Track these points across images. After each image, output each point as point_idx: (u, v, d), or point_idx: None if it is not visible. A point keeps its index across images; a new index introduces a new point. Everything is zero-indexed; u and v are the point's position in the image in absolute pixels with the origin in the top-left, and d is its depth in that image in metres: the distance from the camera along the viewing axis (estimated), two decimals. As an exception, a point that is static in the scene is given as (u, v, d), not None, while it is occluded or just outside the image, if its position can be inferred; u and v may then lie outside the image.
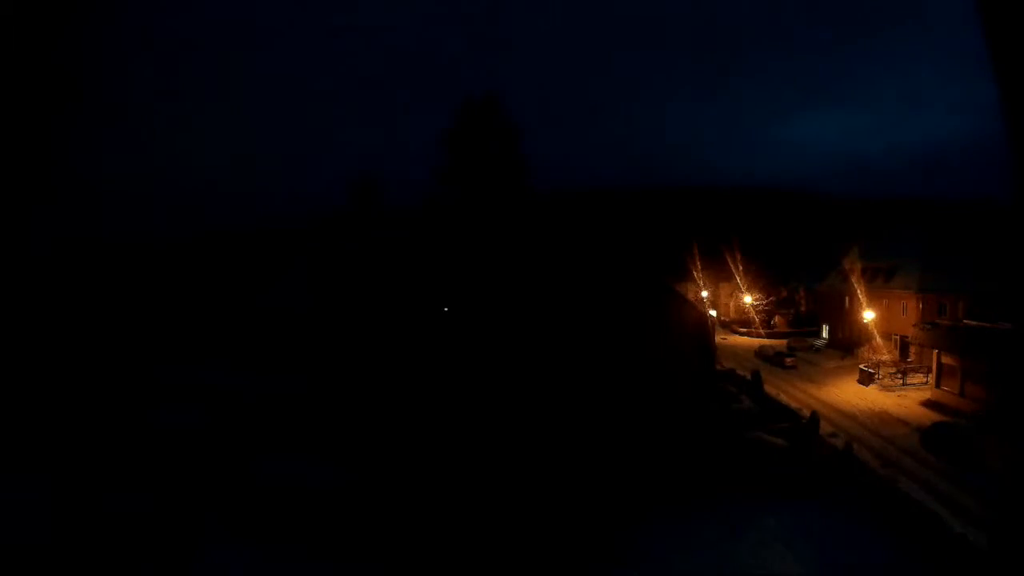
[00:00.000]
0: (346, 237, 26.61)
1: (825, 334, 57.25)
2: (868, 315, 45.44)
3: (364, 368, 23.97)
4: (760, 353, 50.14)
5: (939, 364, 32.37)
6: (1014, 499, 2.14)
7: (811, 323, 63.38)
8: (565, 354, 21.10)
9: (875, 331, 45.70)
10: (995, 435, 23.38)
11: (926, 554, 16.30)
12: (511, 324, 20.41)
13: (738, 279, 76.72)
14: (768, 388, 34.66)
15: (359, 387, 23.94)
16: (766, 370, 41.83)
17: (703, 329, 29.14)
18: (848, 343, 49.95)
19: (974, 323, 32.80)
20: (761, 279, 76.98)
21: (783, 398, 33.51)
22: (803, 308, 70.79)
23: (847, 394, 35.27)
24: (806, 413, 28.33)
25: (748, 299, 74.41)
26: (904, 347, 42.24)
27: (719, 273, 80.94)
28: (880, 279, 47.05)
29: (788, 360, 44.95)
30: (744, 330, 69.84)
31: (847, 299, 51.21)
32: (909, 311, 42.47)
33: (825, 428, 26.88)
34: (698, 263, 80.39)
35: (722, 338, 58.70)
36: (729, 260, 76.29)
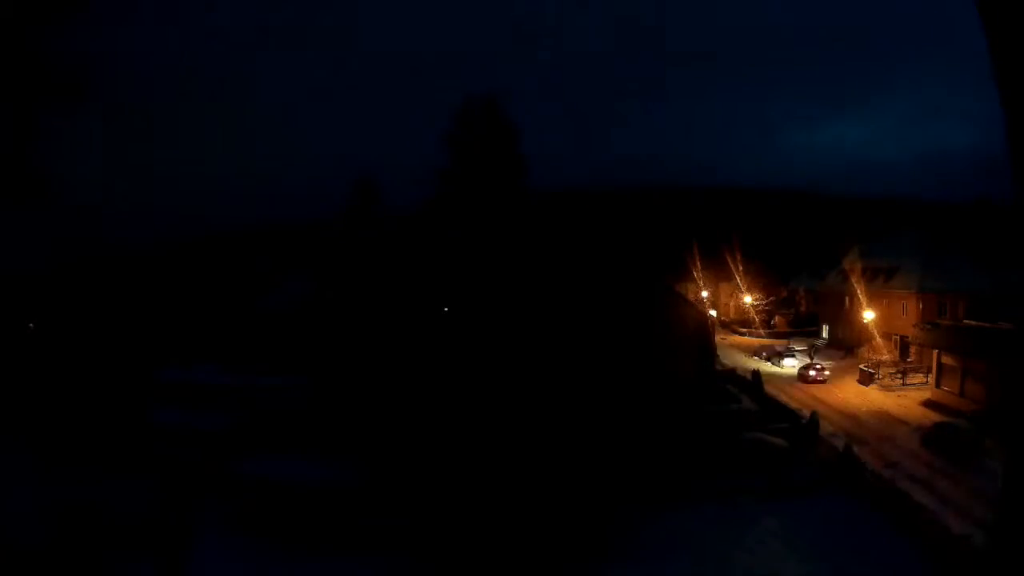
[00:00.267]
0: (347, 238, 26.60)
1: (825, 334, 57.25)
2: (868, 315, 45.42)
3: (365, 368, 23.97)
4: (760, 353, 50.15)
5: (939, 364, 32.35)
6: (1013, 499, 2.13)
7: (811, 323, 63.36)
8: (564, 353, 21.10)
9: (875, 331, 45.69)
10: (995, 435, 23.39)
11: (926, 554, 16.30)
12: (511, 324, 20.41)
13: (738, 279, 76.68)
14: (768, 388, 34.65)
15: (360, 387, 23.95)
16: (766, 370, 41.84)
17: (703, 329, 29.14)
18: (848, 343, 49.94)
19: (974, 323, 32.80)
20: (761, 279, 76.95)
21: (783, 398, 33.49)
22: (803, 308, 70.78)
23: (847, 394, 35.25)
24: (806, 413, 28.32)
25: (748, 299, 74.39)
26: (904, 347, 42.23)
27: (719, 273, 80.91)
28: (880, 279, 47.05)
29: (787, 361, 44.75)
30: (744, 330, 69.81)
31: (847, 299, 51.20)
32: (909, 311, 42.46)
33: (825, 428, 26.87)
34: (698, 263, 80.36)
35: (722, 338, 58.68)
36: (729, 260, 76.24)
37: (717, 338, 43.75)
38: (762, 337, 63.16)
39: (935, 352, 32.94)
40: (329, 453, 21.75)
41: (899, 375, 37.34)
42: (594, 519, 18.46)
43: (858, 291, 47.43)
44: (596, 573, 16.48)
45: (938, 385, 32.20)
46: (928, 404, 31.54)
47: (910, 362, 39.69)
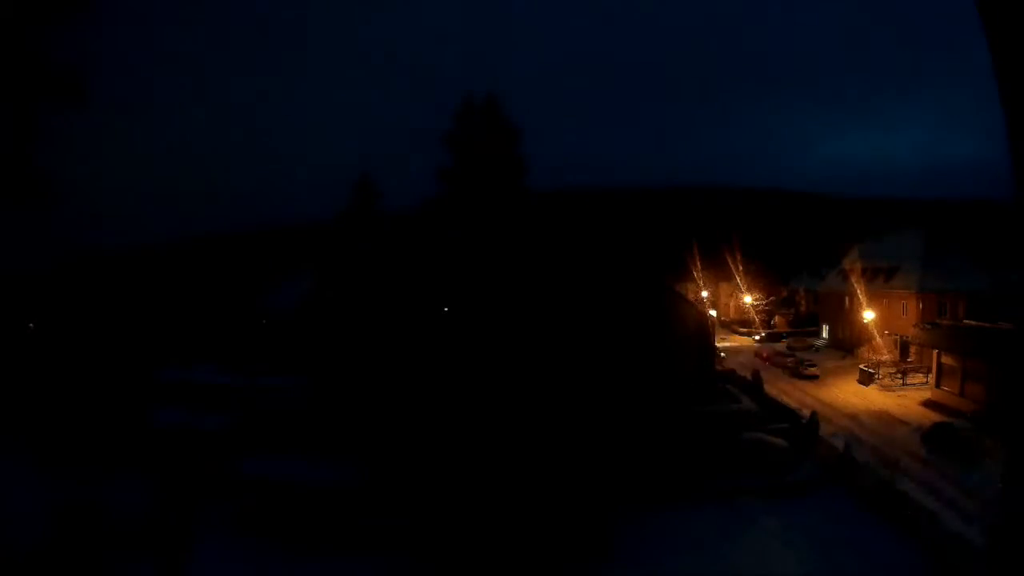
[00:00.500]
0: (346, 238, 26.60)
1: (825, 334, 57.25)
2: (868, 315, 45.42)
3: (365, 368, 23.97)
4: (760, 353, 50.16)
5: (939, 364, 32.35)
6: (1013, 499, 2.14)
7: (811, 323, 63.37)
8: (564, 353, 21.10)
9: (875, 331, 45.70)
10: (995, 435, 23.39)
11: (926, 553, 16.30)
12: (511, 324, 20.41)
13: (738, 279, 76.70)
14: (768, 388, 34.66)
15: (360, 387, 23.94)
16: (767, 370, 41.86)
17: (703, 329, 29.13)
18: (848, 343, 49.94)
19: (974, 323, 32.80)
20: (761, 279, 77.00)
21: (783, 398, 33.51)
22: (803, 308, 70.79)
23: (847, 394, 35.26)
24: (806, 413, 28.33)
25: (748, 299, 74.40)
26: (904, 347, 42.24)
27: (719, 273, 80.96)
28: (880, 279, 47.05)
29: (789, 360, 44.63)
30: (744, 330, 69.82)
31: (847, 299, 51.20)
32: (909, 311, 42.48)
33: (825, 428, 26.88)
34: (698, 263, 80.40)
35: (722, 338, 58.71)
36: (729, 260, 76.28)
37: (717, 338, 43.74)
38: (762, 337, 63.16)
39: (935, 352, 32.95)
40: (329, 453, 21.75)
41: (899, 375, 37.35)
42: (594, 519, 18.46)
43: (858, 291, 47.43)
44: (596, 573, 16.48)
45: (938, 385, 32.21)
46: (928, 404, 31.54)
47: (910, 362, 39.70)
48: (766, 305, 73.00)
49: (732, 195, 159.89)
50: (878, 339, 45.45)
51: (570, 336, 22.71)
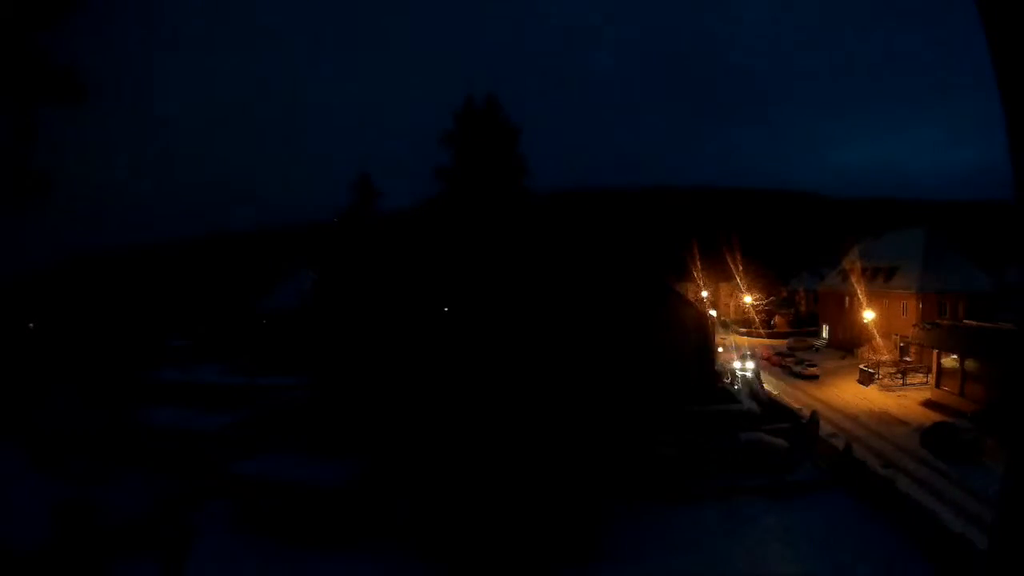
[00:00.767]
0: (346, 238, 26.57)
1: (825, 334, 57.25)
2: (868, 315, 45.43)
3: (364, 368, 23.98)
4: (760, 353, 50.11)
5: (939, 364, 32.35)
6: (1013, 499, 2.13)
7: (811, 323, 63.40)
8: (564, 353, 21.09)
9: (875, 331, 45.70)
10: (995, 435, 23.40)
11: (925, 553, 16.31)
12: (510, 324, 20.40)
13: (738, 279, 76.71)
14: (768, 388, 34.68)
15: (359, 387, 23.95)
16: (766, 370, 41.88)
17: (703, 329, 29.15)
18: (848, 343, 49.94)
19: (974, 323, 32.79)
20: (761, 279, 77.03)
21: (783, 398, 33.52)
22: (803, 308, 70.83)
23: (847, 394, 35.27)
24: (806, 413, 28.33)
25: (748, 299, 74.41)
26: (904, 347, 42.25)
27: (719, 273, 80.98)
28: (880, 279, 47.06)
29: (788, 360, 44.61)
30: (744, 330, 69.84)
31: (847, 299, 51.22)
32: (909, 311, 42.47)
33: (825, 428, 26.89)
34: (698, 263, 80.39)
35: (722, 338, 58.71)
36: (729, 260, 76.29)
37: (717, 338, 43.75)
38: (762, 337, 63.17)
39: (935, 352, 32.94)
40: (329, 453, 21.77)
41: (899, 375, 37.35)
42: (594, 519, 18.47)
43: (858, 291, 47.45)
44: (595, 573, 16.48)
45: (938, 385, 32.20)
46: (928, 404, 31.54)
47: (910, 362, 39.70)
48: (766, 305, 73.02)
49: (732, 195, 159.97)
50: (878, 339, 45.47)
51: (570, 336, 22.72)
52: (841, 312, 52.84)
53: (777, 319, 70.35)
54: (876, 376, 37.45)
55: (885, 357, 42.53)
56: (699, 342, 28.52)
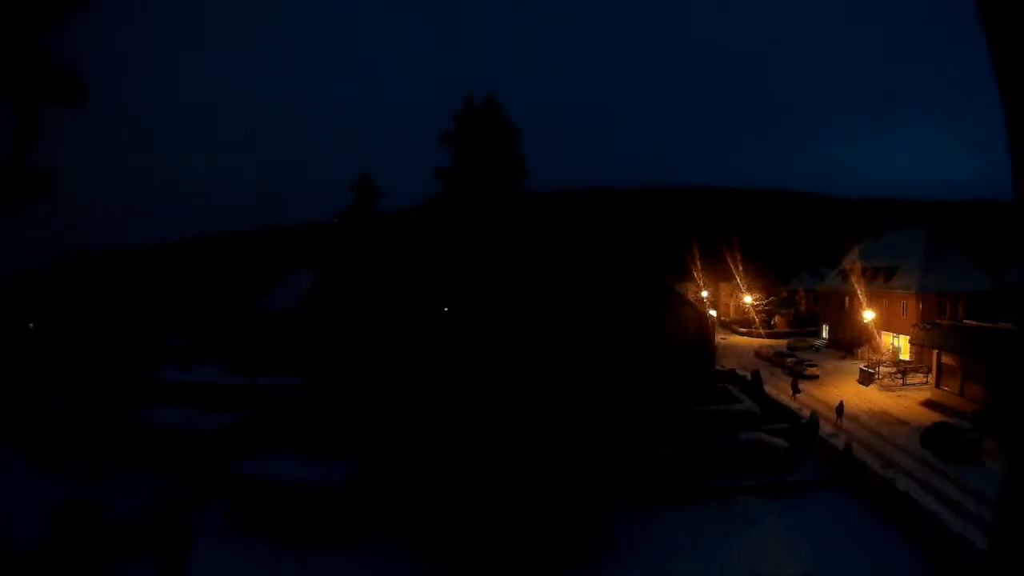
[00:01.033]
0: (346, 238, 26.58)
1: (825, 334, 57.26)
2: (868, 315, 45.44)
3: (364, 368, 23.98)
4: (760, 353, 50.17)
5: (939, 364, 32.36)
6: (1013, 499, 2.13)
7: (811, 323, 63.41)
8: (564, 354, 21.11)
9: (875, 331, 45.71)
10: (995, 435, 23.40)
11: (925, 553, 16.31)
12: (510, 324, 20.41)
13: (738, 279, 76.74)
14: (768, 388, 34.67)
15: (359, 387, 23.95)
16: (766, 370, 41.87)
17: (703, 329, 29.15)
18: (848, 343, 49.96)
19: (974, 323, 32.80)
20: (761, 279, 77.09)
21: (783, 398, 33.52)
22: (803, 308, 70.84)
23: (847, 394, 35.24)
24: (806, 413, 28.33)
25: (748, 299, 74.44)
26: (904, 347, 42.28)
27: (719, 273, 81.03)
28: (880, 279, 47.07)
29: (788, 360, 44.55)
30: (744, 330, 69.86)
31: (847, 299, 51.22)
32: (909, 311, 42.48)
33: (825, 428, 26.89)
34: (698, 263, 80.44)
35: (722, 338, 58.73)
36: (729, 260, 76.34)
37: (717, 338, 43.75)
38: (762, 337, 63.18)
39: (935, 352, 32.94)
40: (329, 453, 21.78)
41: (899, 375, 37.35)
42: (593, 519, 18.47)
43: (858, 291, 47.46)
44: (595, 574, 16.48)
45: (938, 385, 32.21)
46: (928, 404, 31.56)
47: (910, 362, 39.71)
48: (766, 305, 73.05)
49: (732, 195, 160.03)
50: (878, 339, 45.48)
51: (569, 336, 22.72)
52: (841, 312, 52.86)
53: (777, 319, 70.37)
54: (876, 376, 37.45)
55: (885, 357, 42.57)
56: (699, 342, 28.52)
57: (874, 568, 15.96)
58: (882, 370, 38.28)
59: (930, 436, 24.94)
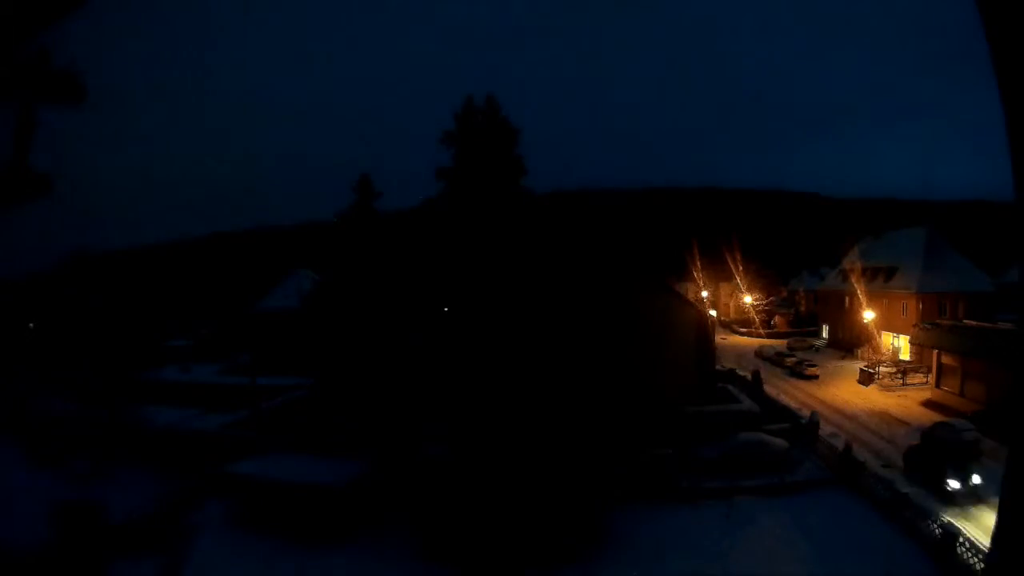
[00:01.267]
0: (346, 238, 26.60)
1: (825, 334, 57.27)
2: (868, 315, 45.44)
3: (364, 368, 24.00)
4: (760, 353, 50.16)
5: (939, 364, 32.35)
6: (1013, 499, 2.14)
7: (811, 323, 63.41)
8: (564, 354, 21.11)
9: (875, 331, 45.71)
10: (995, 435, 23.38)
11: (926, 553, 16.31)
12: (509, 323, 20.41)
13: (738, 279, 76.75)
14: (768, 388, 34.66)
15: (359, 387, 23.97)
16: (766, 370, 41.87)
17: (703, 329, 29.15)
18: (848, 343, 49.96)
19: (974, 323, 32.79)
20: (761, 279, 77.11)
21: (783, 398, 33.50)
22: (803, 308, 70.83)
23: (847, 394, 35.26)
24: (806, 413, 28.33)
25: (748, 299, 74.44)
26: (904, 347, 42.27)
27: (719, 273, 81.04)
28: (880, 279, 47.06)
29: (788, 360, 44.54)
30: (744, 330, 69.87)
31: (847, 299, 51.22)
32: (909, 311, 42.48)
33: (825, 428, 26.88)
34: (698, 263, 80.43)
35: (722, 338, 58.72)
36: (729, 260, 76.34)
37: (717, 338, 43.72)
38: (762, 337, 63.18)
39: (935, 352, 32.94)
40: (329, 453, 21.79)
41: (899, 375, 37.35)
42: (593, 519, 18.47)
43: (858, 291, 47.46)
44: (595, 573, 16.48)
45: (938, 385, 32.21)
46: (928, 404, 31.55)
47: (910, 362, 39.71)
48: (766, 305, 73.06)
49: (732, 195, 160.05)
50: (878, 339, 45.49)
51: (569, 336, 22.73)
52: (841, 312, 52.86)
53: (777, 319, 70.38)
54: (876, 376, 37.45)
55: (885, 357, 42.56)
56: (699, 342, 28.51)
57: (874, 568, 15.94)
58: (882, 370, 38.27)
59: (929, 435, 23.83)
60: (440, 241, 23.47)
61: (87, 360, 39.94)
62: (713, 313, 68.94)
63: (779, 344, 54.41)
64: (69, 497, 18.30)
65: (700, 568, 16.35)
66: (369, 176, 26.74)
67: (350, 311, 24.82)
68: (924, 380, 35.27)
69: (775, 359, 46.27)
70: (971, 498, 19.34)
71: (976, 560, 14.66)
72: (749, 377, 36.49)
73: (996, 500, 2.29)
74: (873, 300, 46.04)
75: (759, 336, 64.63)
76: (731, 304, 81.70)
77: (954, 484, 19.59)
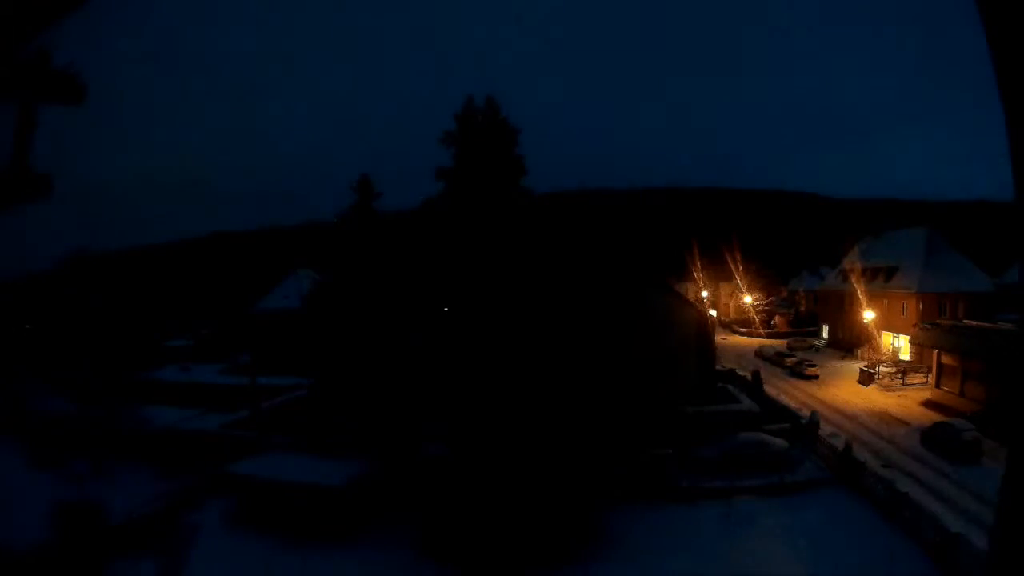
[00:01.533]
0: (347, 238, 26.58)
1: (825, 334, 57.26)
2: (868, 315, 45.43)
3: (364, 368, 23.99)
4: (760, 353, 50.17)
5: (939, 364, 32.35)
6: (1013, 499, 2.14)
7: (811, 323, 63.41)
8: (564, 354, 21.10)
9: (875, 331, 45.70)
10: (995, 435, 23.40)
11: (925, 553, 16.31)
12: (509, 323, 20.41)
13: (738, 279, 76.76)
14: (768, 388, 34.66)
15: (359, 387, 23.96)
16: (766, 370, 41.87)
17: (703, 329, 29.15)
18: (848, 343, 49.96)
19: (974, 323, 32.79)
20: (761, 279, 77.12)
21: (783, 398, 33.50)
22: (803, 308, 70.83)
23: (847, 394, 35.27)
24: (806, 413, 28.32)
25: (748, 299, 74.44)
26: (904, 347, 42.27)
27: (719, 273, 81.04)
28: (880, 279, 47.06)
29: (788, 360, 44.51)
30: (744, 330, 69.87)
31: (847, 299, 51.21)
32: (909, 311, 42.48)
33: (825, 428, 26.88)
34: (698, 263, 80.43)
35: (722, 338, 58.74)
36: (729, 260, 76.35)
37: (717, 338, 43.71)
38: (762, 337, 63.18)
39: (935, 352, 32.94)
40: (329, 453, 21.79)
41: (899, 375, 37.35)
42: (593, 519, 18.47)
43: (858, 291, 47.45)
44: (595, 573, 16.48)
45: (938, 385, 32.21)
46: (928, 404, 31.56)
47: (910, 362, 39.71)
48: (766, 305, 73.07)
49: (732, 195, 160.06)
50: (878, 339, 45.48)
51: (569, 336, 22.71)
52: (841, 312, 52.85)
53: (777, 319, 70.38)
54: (876, 376, 37.45)
55: (885, 357, 42.55)
56: (699, 342, 28.52)
57: (874, 568, 15.95)
58: (882, 370, 38.27)
59: (930, 436, 24.94)
60: (440, 241, 23.44)
61: (87, 360, 39.91)
62: (713, 313, 68.95)
63: (779, 344, 54.41)
64: (69, 497, 18.30)
65: (700, 568, 16.36)
66: (369, 176, 26.72)
67: (350, 311, 24.80)
68: (924, 380, 35.27)
69: (775, 359, 46.27)
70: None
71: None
72: (749, 377, 36.47)
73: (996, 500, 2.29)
74: (873, 300, 46.04)
75: (759, 336, 64.64)
76: (731, 304, 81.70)
77: None
